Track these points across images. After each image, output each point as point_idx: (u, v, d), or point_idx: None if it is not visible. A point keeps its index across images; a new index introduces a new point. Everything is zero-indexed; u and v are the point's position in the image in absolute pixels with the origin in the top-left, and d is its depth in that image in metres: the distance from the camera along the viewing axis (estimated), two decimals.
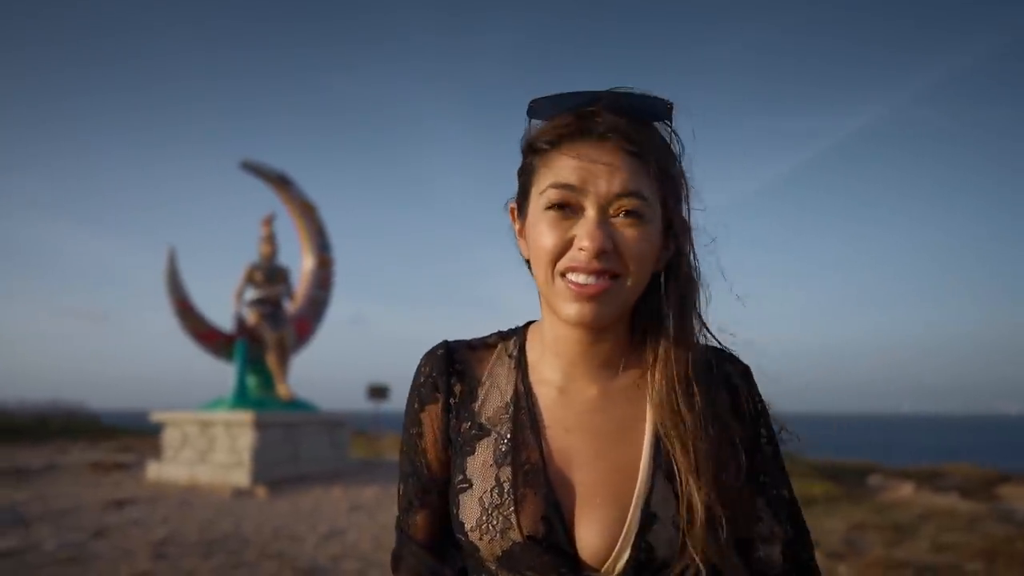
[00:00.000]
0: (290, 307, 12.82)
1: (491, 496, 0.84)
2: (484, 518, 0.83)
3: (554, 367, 0.91)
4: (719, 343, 0.90)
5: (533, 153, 0.88)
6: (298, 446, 11.01)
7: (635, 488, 0.83)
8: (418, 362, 0.96)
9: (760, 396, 0.91)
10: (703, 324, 0.88)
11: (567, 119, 0.84)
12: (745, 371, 0.92)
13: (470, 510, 0.85)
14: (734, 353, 0.92)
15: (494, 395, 0.91)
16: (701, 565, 0.80)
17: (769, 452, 0.89)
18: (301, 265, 13.53)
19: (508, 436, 0.87)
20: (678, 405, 0.83)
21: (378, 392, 21.52)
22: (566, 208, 0.83)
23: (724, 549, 0.80)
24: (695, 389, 0.84)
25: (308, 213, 13.41)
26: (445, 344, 0.96)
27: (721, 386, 0.87)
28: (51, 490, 9.55)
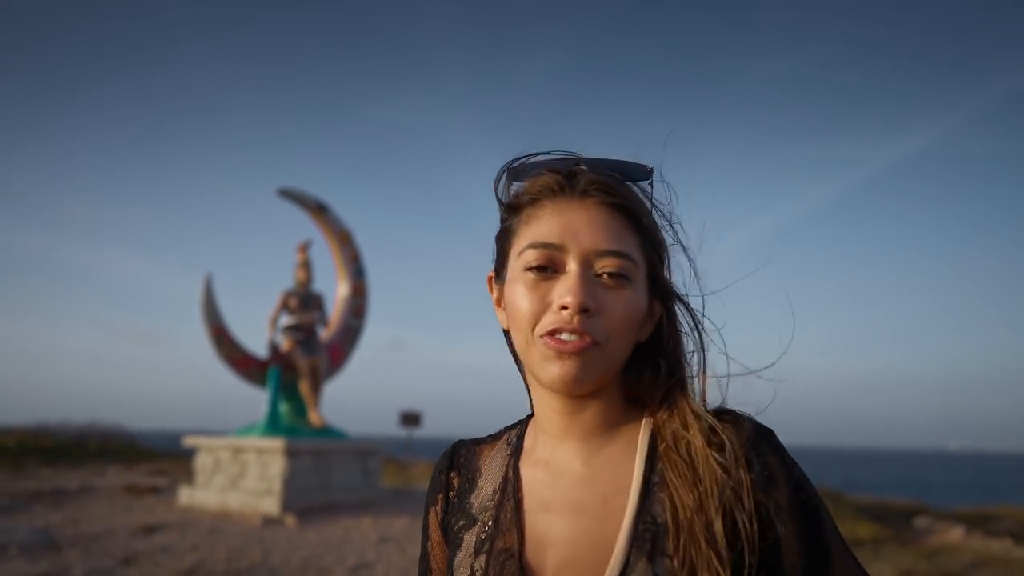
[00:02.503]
0: (324, 334, 12.85)
1: None
2: None
3: (544, 445, 0.87)
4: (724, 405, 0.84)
5: (512, 213, 0.85)
6: (329, 474, 10.95)
7: (607, 569, 0.75)
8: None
9: (791, 459, 0.78)
10: (703, 395, 0.83)
11: (548, 177, 0.82)
12: (763, 433, 0.79)
13: None
14: (747, 414, 0.81)
15: (486, 485, 0.89)
16: None
17: (793, 528, 0.74)
18: (336, 292, 13.61)
19: (490, 523, 0.84)
20: (679, 481, 0.76)
21: (411, 419, 21.44)
22: (546, 269, 0.79)
23: None
24: (698, 464, 0.76)
25: (344, 240, 13.50)
26: (454, 444, 0.96)
27: (730, 454, 0.76)
28: (84, 513, 9.61)
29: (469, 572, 0.81)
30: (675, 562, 0.72)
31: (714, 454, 0.76)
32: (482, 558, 0.81)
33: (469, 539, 0.84)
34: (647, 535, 0.75)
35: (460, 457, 0.94)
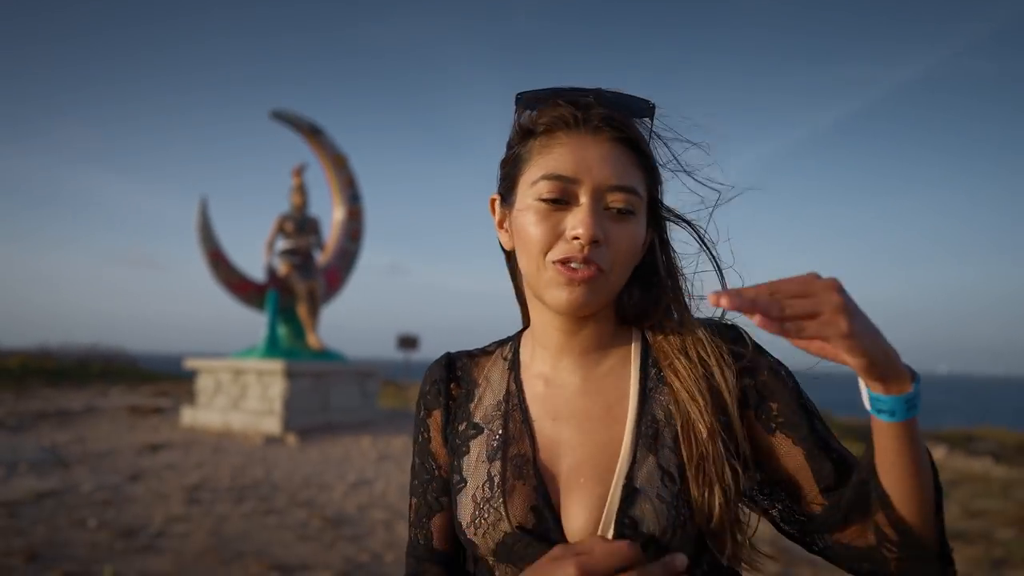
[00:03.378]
0: (321, 258, 12.88)
1: (483, 491, 0.85)
2: (477, 513, 0.85)
3: (543, 359, 0.93)
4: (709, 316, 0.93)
5: (525, 140, 0.88)
6: (328, 395, 11.18)
7: (617, 464, 0.83)
8: (424, 374, 1.01)
9: (763, 348, 0.90)
10: (690, 304, 0.92)
11: (563, 108, 0.85)
12: (739, 330, 0.91)
13: (465, 507, 0.86)
14: (725, 320, 0.92)
15: (488, 395, 0.94)
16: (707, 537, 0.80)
17: (784, 396, 0.86)
18: (332, 216, 13.55)
19: (500, 432, 0.89)
20: (689, 368, 0.86)
21: (408, 342, 21.72)
22: (560, 201, 0.83)
23: (722, 518, 0.79)
24: (701, 347, 0.87)
25: (339, 164, 13.36)
26: (447, 355, 1.00)
27: (721, 352, 0.87)
28: (90, 432, 9.85)
29: (486, 477, 0.86)
30: (684, 450, 0.81)
31: (708, 352, 0.86)
32: (497, 464, 0.86)
33: (477, 446, 0.89)
34: (650, 432, 0.84)
35: (457, 368, 0.98)
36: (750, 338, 0.90)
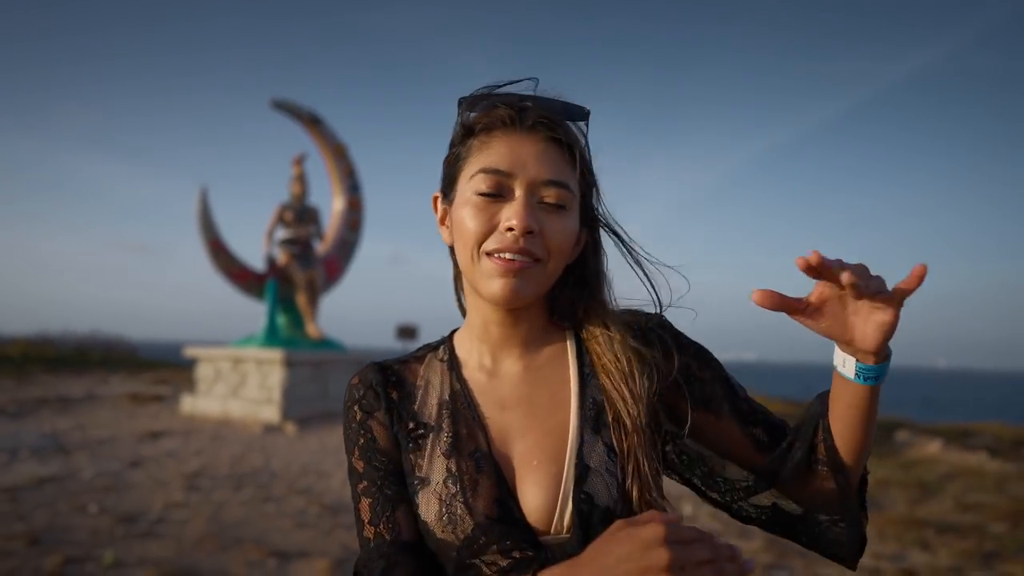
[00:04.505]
0: (320, 248, 12.91)
1: (446, 488, 0.87)
2: (444, 510, 0.85)
3: (483, 353, 0.97)
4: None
5: (465, 139, 0.93)
6: (326, 384, 11.22)
7: (568, 445, 0.88)
8: (348, 384, 0.99)
9: (683, 335, 0.98)
10: (613, 301, 0.98)
11: (501, 109, 0.90)
12: (661, 320, 0.98)
13: (429, 505, 0.87)
14: (643, 309, 0.99)
15: (431, 395, 0.95)
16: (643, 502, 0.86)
17: (707, 375, 0.96)
18: (332, 206, 13.57)
19: (451, 429, 0.91)
20: (616, 365, 0.91)
21: (407, 332, 21.72)
22: (495, 194, 0.88)
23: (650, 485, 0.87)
24: (625, 346, 0.92)
25: (339, 154, 13.36)
26: (374, 363, 0.99)
27: (646, 335, 0.95)
28: (91, 419, 9.91)
29: (446, 473, 0.87)
30: (612, 429, 0.89)
31: (630, 339, 0.93)
32: (454, 460, 0.88)
33: (431, 445, 0.90)
34: (591, 414, 0.90)
35: (390, 374, 0.97)
36: (672, 327, 0.98)
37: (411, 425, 0.92)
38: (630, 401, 0.89)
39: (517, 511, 0.85)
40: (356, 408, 0.95)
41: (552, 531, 0.85)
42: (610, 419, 0.89)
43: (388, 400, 0.94)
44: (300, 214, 12.40)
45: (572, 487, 0.85)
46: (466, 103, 0.93)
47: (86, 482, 6.27)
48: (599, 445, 0.87)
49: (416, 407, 0.94)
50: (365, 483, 0.91)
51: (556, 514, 0.85)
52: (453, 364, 0.98)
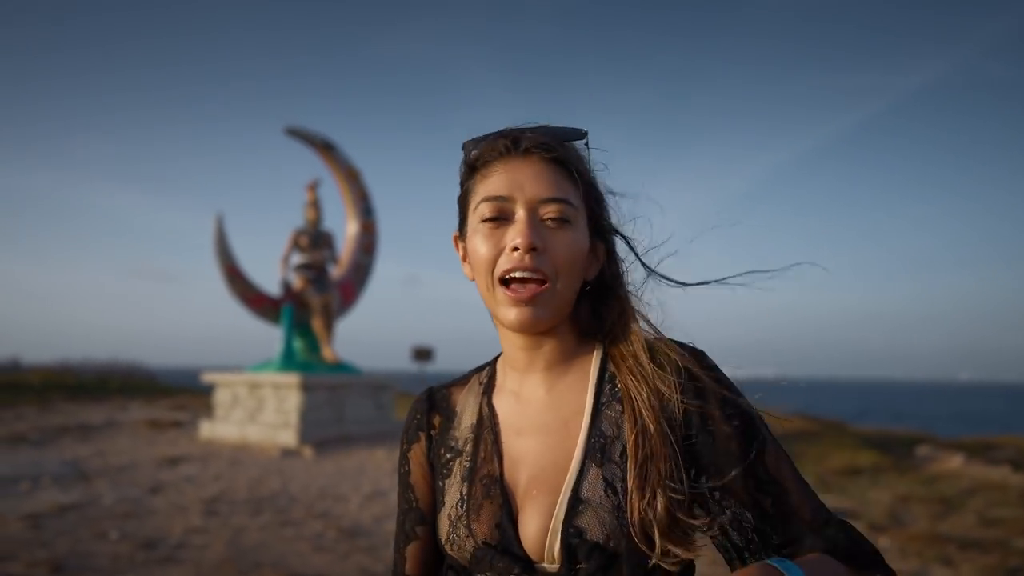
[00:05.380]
0: (335, 272, 13.01)
1: (456, 510, 0.92)
2: (451, 531, 0.91)
3: (512, 379, 0.99)
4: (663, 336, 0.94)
5: (468, 176, 0.97)
6: (343, 408, 11.27)
7: (566, 476, 0.88)
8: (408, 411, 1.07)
9: (720, 377, 0.90)
10: (647, 322, 0.95)
11: (497, 142, 0.93)
12: (696, 354, 0.92)
13: (442, 526, 0.94)
14: (682, 341, 0.94)
15: (465, 420, 1.00)
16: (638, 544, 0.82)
17: (727, 430, 0.86)
18: (346, 230, 13.69)
19: (471, 453, 0.95)
20: (640, 398, 0.88)
21: (422, 354, 21.76)
22: (499, 219, 0.90)
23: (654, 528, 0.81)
24: (652, 380, 0.88)
25: (352, 179, 13.51)
26: (428, 389, 1.06)
27: (670, 372, 0.88)
28: (110, 446, 10.00)
29: (459, 497, 0.92)
30: (630, 454, 0.85)
31: (658, 371, 0.88)
32: (467, 484, 0.93)
33: (457, 468, 0.96)
34: (597, 446, 0.88)
35: (436, 400, 1.04)
36: (712, 364, 0.92)
37: (442, 452, 0.99)
38: (654, 414, 0.86)
39: (515, 537, 0.87)
40: (404, 437, 1.05)
41: (544, 560, 0.86)
42: (620, 451, 0.87)
43: (430, 429, 1.02)
44: (315, 239, 12.52)
45: (563, 520, 0.85)
46: (469, 144, 0.97)
47: (107, 508, 6.33)
48: (597, 478, 0.86)
49: (452, 432, 1.00)
50: (399, 510, 1.04)
51: (547, 544, 0.86)
52: (488, 387, 1.01)
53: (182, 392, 18.62)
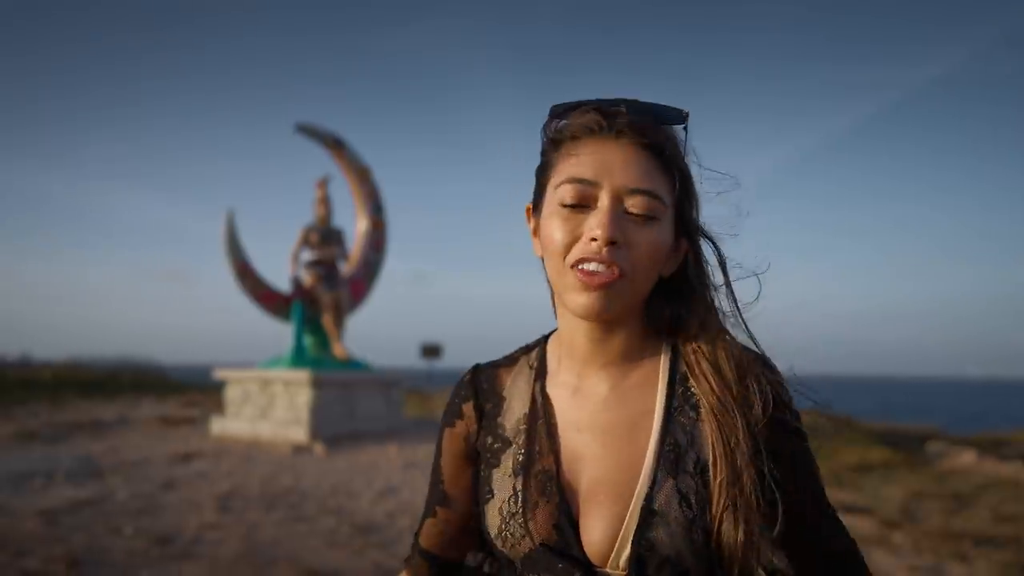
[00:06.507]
0: (345, 269, 13.04)
1: (509, 505, 0.87)
2: (503, 526, 0.87)
3: (569, 369, 0.93)
4: (752, 343, 0.90)
5: (552, 148, 0.90)
6: (354, 404, 11.29)
7: (637, 485, 0.83)
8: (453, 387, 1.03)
9: (791, 408, 0.87)
10: (725, 320, 0.90)
11: (588, 116, 0.86)
12: (777, 381, 0.88)
13: (492, 520, 0.89)
14: (768, 358, 0.90)
15: (514, 407, 0.95)
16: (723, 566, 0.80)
17: (798, 483, 0.85)
18: (355, 227, 13.71)
19: (525, 446, 0.90)
20: (719, 408, 0.83)
21: (431, 351, 21.85)
22: (579, 204, 0.84)
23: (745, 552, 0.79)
24: (733, 382, 0.84)
25: (362, 175, 13.52)
26: (473, 368, 1.01)
27: (755, 392, 0.84)
28: (123, 442, 10.06)
29: (511, 492, 0.87)
30: (714, 471, 0.81)
31: (742, 387, 0.84)
32: (522, 479, 0.87)
33: (506, 459, 0.90)
34: (671, 455, 0.83)
35: (482, 382, 0.98)
36: (790, 397, 0.87)
37: (490, 440, 0.94)
38: (743, 428, 0.81)
39: (575, 540, 0.83)
40: (443, 419, 1.01)
41: (608, 567, 0.82)
42: (694, 461, 0.82)
43: (479, 411, 0.97)
44: (325, 236, 12.54)
45: (634, 531, 0.81)
46: (558, 111, 0.90)
47: (121, 504, 6.37)
48: (672, 490, 0.81)
49: (500, 418, 0.94)
50: (430, 483, 1.02)
51: (614, 553, 0.81)
52: (541, 373, 0.95)
53: (193, 389, 18.70)
